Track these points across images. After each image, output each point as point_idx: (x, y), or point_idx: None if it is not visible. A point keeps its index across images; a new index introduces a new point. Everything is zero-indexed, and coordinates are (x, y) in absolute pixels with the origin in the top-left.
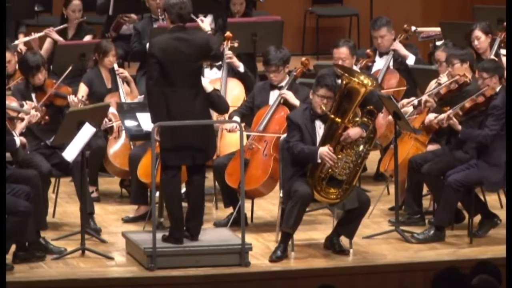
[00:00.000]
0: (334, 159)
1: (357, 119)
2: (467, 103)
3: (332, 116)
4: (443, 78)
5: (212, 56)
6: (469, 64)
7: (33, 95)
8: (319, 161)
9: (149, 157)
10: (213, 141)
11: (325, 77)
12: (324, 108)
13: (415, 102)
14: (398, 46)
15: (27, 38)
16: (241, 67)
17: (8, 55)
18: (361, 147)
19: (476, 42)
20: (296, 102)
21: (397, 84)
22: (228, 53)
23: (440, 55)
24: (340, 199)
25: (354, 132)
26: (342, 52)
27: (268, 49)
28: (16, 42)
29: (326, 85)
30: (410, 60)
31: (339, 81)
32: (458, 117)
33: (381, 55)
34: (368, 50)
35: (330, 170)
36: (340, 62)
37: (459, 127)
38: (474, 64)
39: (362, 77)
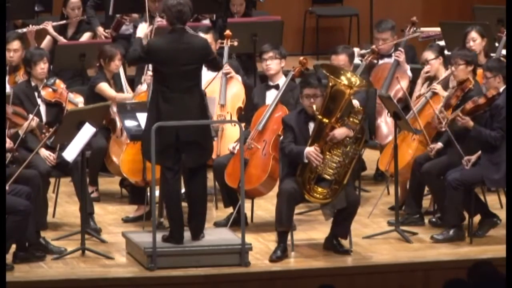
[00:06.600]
0: (319, 159)
1: (345, 119)
2: (468, 105)
3: (320, 116)
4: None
5: (210, 60)
6: (473, 68)
7: (35, 94)
8: (305, 160)
9: (130, 152)
10: (210, 142)
11: (307, 77)
12: (314, 108)
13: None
14: (402, 58)
15: (24, 30)
16: (239, 79)
17: (17, 44)
18: (349, 147)
19: (471, 43)
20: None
21: (407, 84)
22: (227, 69)
23: (426, 54)
24: (329, 199)
25: (339, 132)
26: (341, 59)
27: (262, 46)
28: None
29: (309, 84)
30: (404, 83)
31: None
32: (460, 118)
33: (382, 57)
34: (374, 46)
35: (317, 170)
36: None
37: (471, 123)
38: (477, 68)
39: (349, 75)
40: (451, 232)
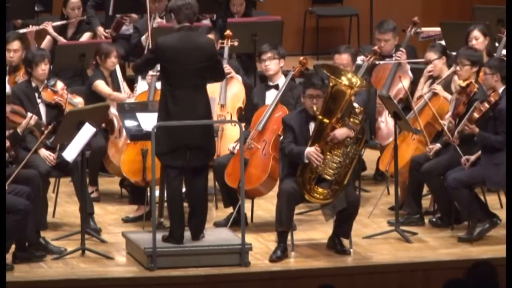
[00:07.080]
0: (320, 159)
1: (345, 119)
2: (476, 114)
3: (320, 117)
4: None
5: (214, 61)
6: (477, 70)
7: (36, 95)
8: (306, 161)
9: (130, 153)
10: (214, 142)
11: (310, 77)
12: (315, 109)
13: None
14: (403, 58)
15: (25, 30)
16: (239, 79)
17: (17, 44)
18: (349, 148)
19: (474, 42)
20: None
21: (409, 84)
22: (226, 66)
23: (429, 55)
24: (329, 200)
25: (340, 132)
26: (344, 59)
27: (261, 46)
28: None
29: (312, 84)
30: (405, 82)
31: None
32: (468, 127)
33: (382, 58)
34: (376, 47)
35: (318, 170)
36: None
37: (477, 130)
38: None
39: (349, 75)
40: (477, 228)
